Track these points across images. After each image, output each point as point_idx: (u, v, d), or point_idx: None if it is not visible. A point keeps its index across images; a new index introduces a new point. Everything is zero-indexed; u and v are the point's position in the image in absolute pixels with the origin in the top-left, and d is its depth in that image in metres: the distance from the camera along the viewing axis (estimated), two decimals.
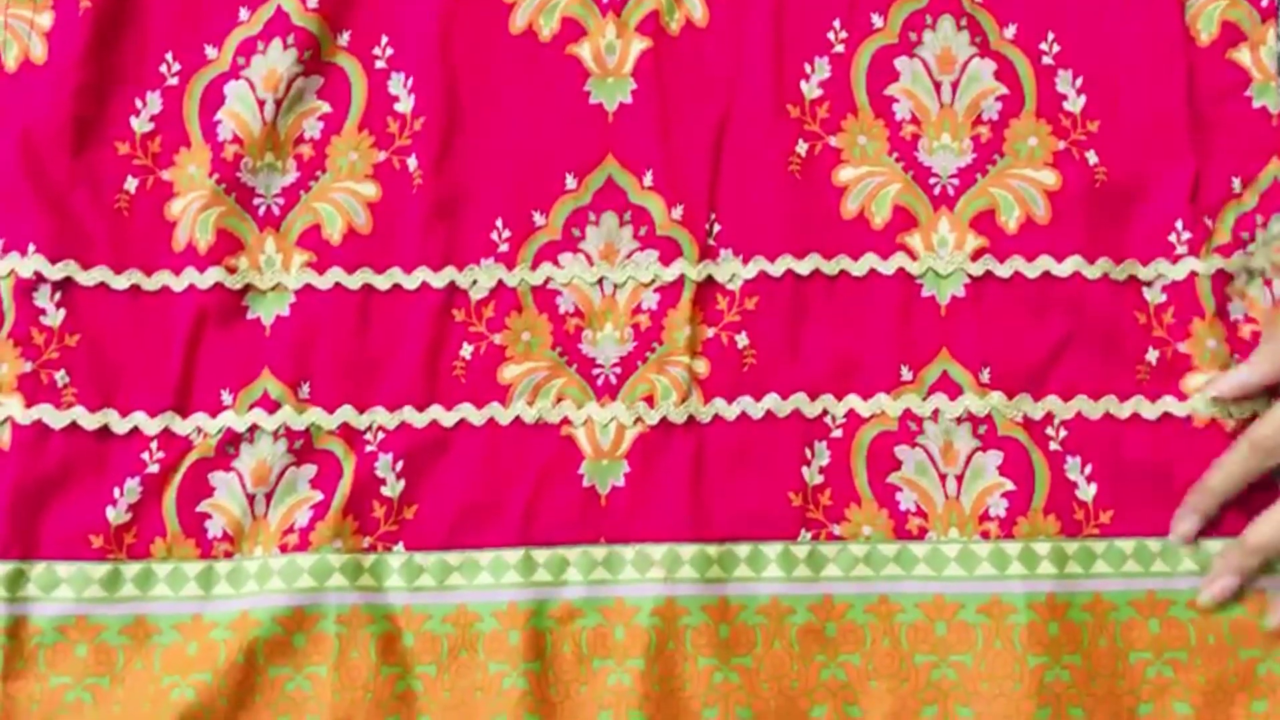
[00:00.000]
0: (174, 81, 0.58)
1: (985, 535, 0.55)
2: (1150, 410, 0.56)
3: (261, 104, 0.57)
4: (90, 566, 0.54)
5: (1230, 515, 0.55)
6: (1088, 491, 0.56)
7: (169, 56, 0.58)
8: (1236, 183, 0.57)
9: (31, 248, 0.55)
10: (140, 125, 0.57)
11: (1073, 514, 0.55)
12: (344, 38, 0.58)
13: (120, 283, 0.56)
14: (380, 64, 0.58)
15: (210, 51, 0.58)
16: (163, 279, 0.56)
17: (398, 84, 0.58)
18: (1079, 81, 0.58)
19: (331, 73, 0.58)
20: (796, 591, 0.55)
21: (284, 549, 0.55)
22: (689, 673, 0.54)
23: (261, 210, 0.57)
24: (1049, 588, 0.54)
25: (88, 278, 0.56)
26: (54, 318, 0.55)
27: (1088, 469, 0.56)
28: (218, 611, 0.54)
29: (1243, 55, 0.58)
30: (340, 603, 0.54)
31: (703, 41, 0.58)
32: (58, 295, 0.56)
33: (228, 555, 0.55)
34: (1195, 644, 0.54)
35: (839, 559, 0.55)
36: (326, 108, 0.58)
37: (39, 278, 0.55)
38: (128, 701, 0.53)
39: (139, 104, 0.57)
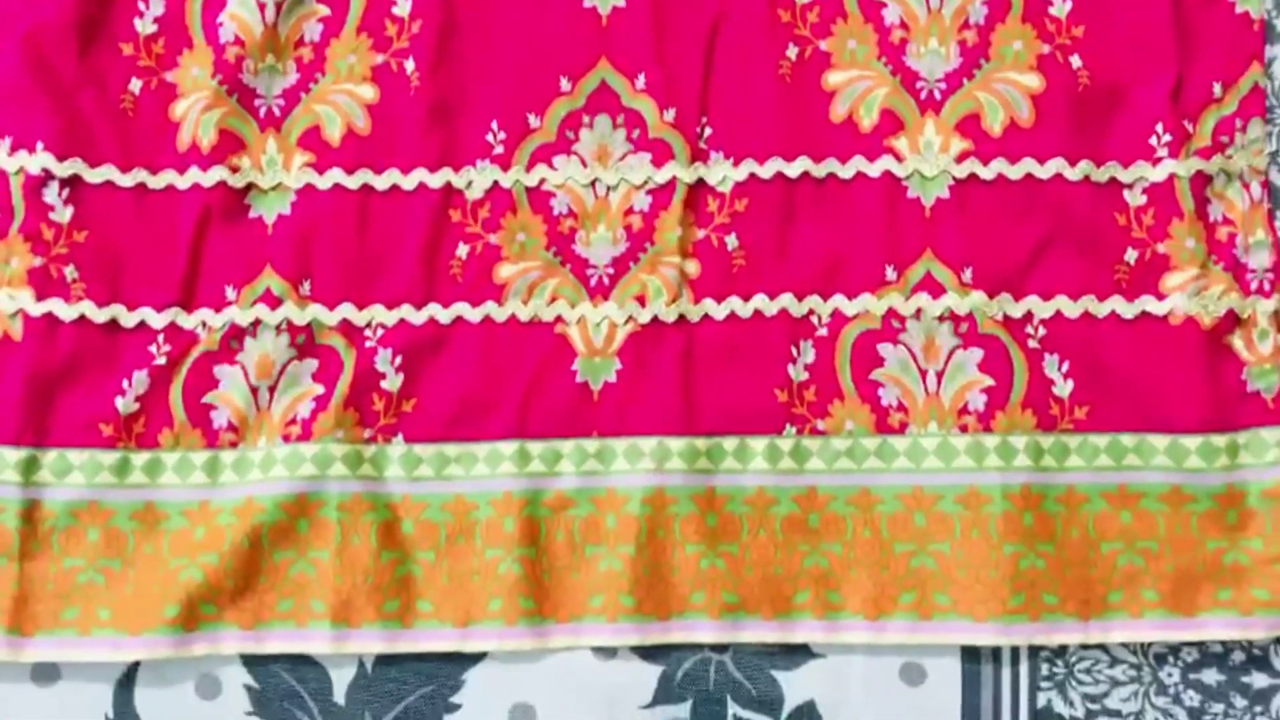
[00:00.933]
0: None
1: (964, 429, 0.57)
2: (1128, 309, 0.57)
3: (262, 7, 0.58)
4: (101, 454, 0.56)
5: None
6: (1064, 388, 0.57)
7: None
8: (1217, 87, 0.58)
9: (40, 145, 0.56)
10: (144, 27, 0.58)
11: (1048, 409, 0.57)
12: None
13: (126, 181, 0.57)
14: None
15: None
16: (167, 178, 0.57)
17: None
18: None
19: None
20: (781, 483, 0.56)
21: (287, 439, 0.56)
22: (677, 559, 0.56)
23: (263, 111, 0.58)
24: (1024, 479, 0.56)
25: (95, 175, 0.57)
26: (62, 214, 0.57)
27: (1065, 366, 0.57)
28: (224, 498, 0.56)
29: None
30: (342, 490, 0.56)
31: None
32: (66, 192, 0.57)
33: (233, 445, 0.56)
34: (1164, 535, 0.56)
35: (822, 452, 0.56)
36: (325, 10, 0.59)
37: (47, 175, 0.56)
38: (138, 582, 0.55)
39: (142, 6, 0.58)
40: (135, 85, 0.58)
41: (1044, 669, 0.56)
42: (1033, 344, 0.57)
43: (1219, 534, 0.56)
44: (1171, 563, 0.56)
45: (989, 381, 0.57)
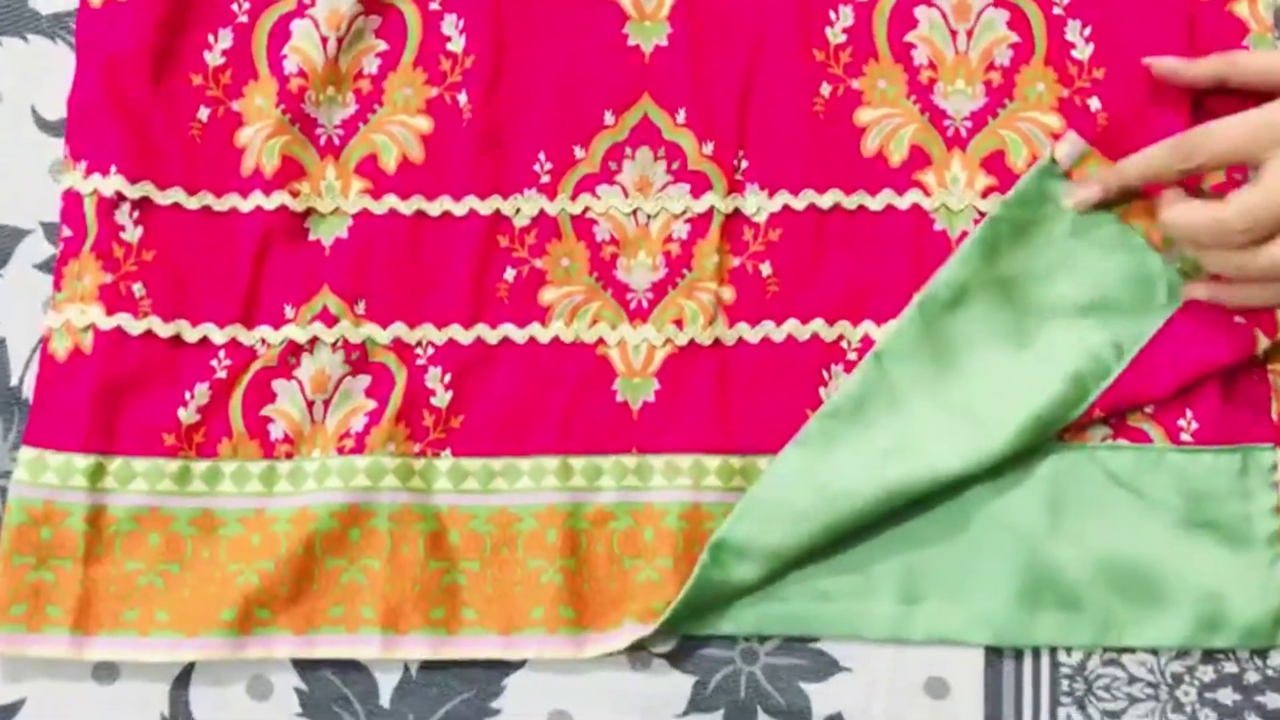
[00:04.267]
0: (244, 19, 0.60)
1: None
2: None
3: (324, 41, 0.60)
4: (163, 462, 0.57)
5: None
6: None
7: None
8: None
9: (113, 169, 0.58)
10: (213, 59, 0.60)
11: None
12: None
13: (193, 203, 0.59)
14: (434, 5, 0.61)
15: None
16: (231, 201, 0.59)
17: (450, 25, 0.61)
18: (1087, 31, 0.60)
19: (389, 13, 0.61)
20: None
21: (341, 451, 0.58)
22: None
23: (323, 140, 0.60)
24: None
25: (163, 198, 0.59)
26: (132, 234, 0.58)
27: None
28: (279, 507, 0.57)
29: (1242, 8, 0.60)
30: (393, 501, 0.57)
31: None
32: (136, 214, 0.58)
33: (289, 456, 0.58)
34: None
35: None
36: (384, 46, 0.61)
37: (119, 197, 0.58)
38: (196, 585, 0.56)
39: (212, 39, 0.60)
40: (203, 113, 0.60)
41: (1064, 685, 0.57)
42: None
43: None
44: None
45: None
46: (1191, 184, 0.57)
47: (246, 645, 0.56)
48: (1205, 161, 0.53)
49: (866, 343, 0.59)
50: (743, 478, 0.58)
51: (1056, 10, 0.61)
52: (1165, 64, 0.58)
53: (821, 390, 0.58)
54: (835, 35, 0.61)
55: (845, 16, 0.61)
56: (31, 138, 0.60)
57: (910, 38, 0.61)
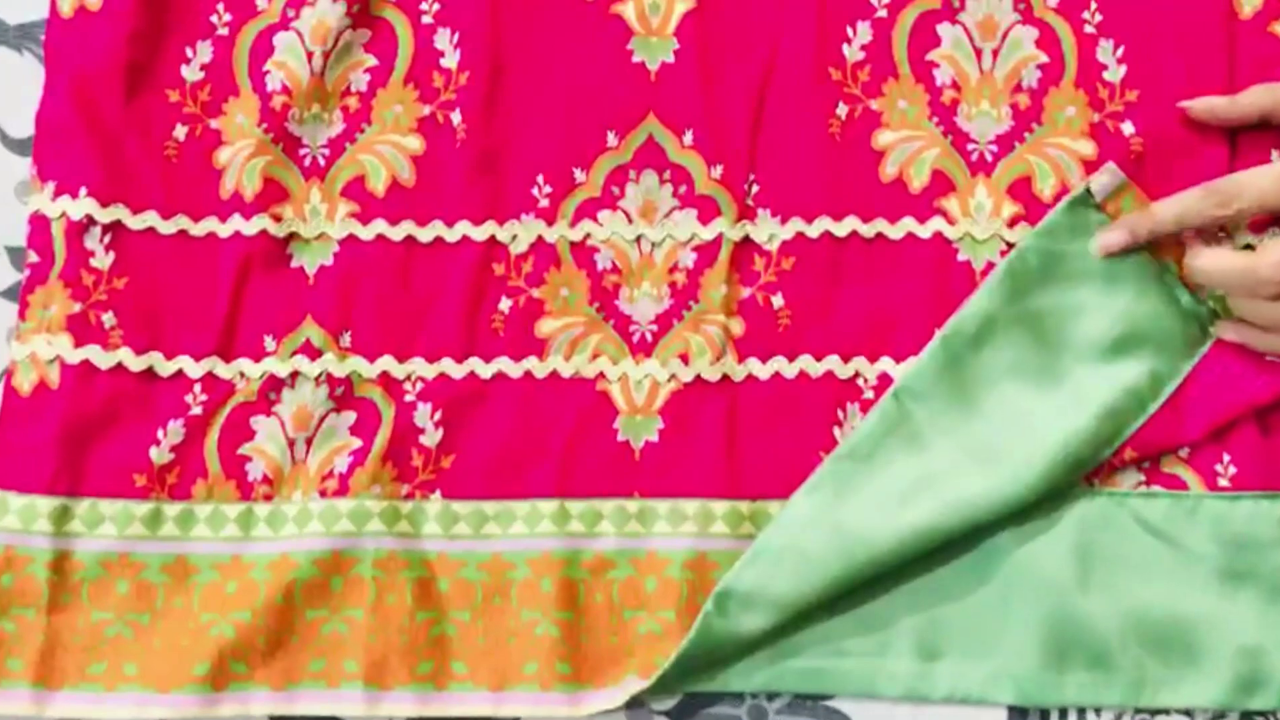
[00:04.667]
0: (224, 31, 0.57)
1: None
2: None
3: (310, 56, 0.56)
4: (133, 504, 0.53)
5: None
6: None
7: (220, 7, 0.57)
8: (1276, 155, 0.56)
9: (83, 191, 0.55)
10: (191, 74, 0.57)
11: None
12: None
13: (168, 228, 0.55)
14: (427, 19, 0.57)
15: (260, 2, 0.57)
16: (209, 225, 0.56)
17: (444, 39, 0.57)
18: (1119, 51, 0.57)
19: (379, 26, 0.57)
20: None
21: (323, 494, 0.54)
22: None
23: (307, 160, 0.57)
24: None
25: (137, 222, 0.55)
26: (103, 260, 0.55)
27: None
28: (257, 552, 0.54)
29: None
30: (377, 548, 0.53)
31: (746, 3, 0.57)
32: (107, 238, 0.55)
33: (267, 498, 0.54)
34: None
35: None
36: (373, 61, 0.57)
37: (90, 220, 0.55)
38: (167, 637, 0.53)
39: (190, 53, 0.57)
40: (180, 132, 0.56)
41: None
42: None
43: None
44: None
45: None
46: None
47: (221, 702, 0.52)
48: (1241, 209, 0.52)
49: (884, 380, 0.55)
50: (752, 524, 0.54)
51: (1088, 29, 0.57)
52: (1203, 105, 0.55)
53: (836, 431, 0.55)
54: (853, 53, 0.57)
55: (863, 33, 0.57)
56: None
57: (932, 56, 0.57)
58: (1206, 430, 0.54)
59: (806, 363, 0.55)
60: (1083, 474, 0.54)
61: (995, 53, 0.57)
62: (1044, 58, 0.57)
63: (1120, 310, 0.54)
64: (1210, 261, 0.52)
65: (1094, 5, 0.57)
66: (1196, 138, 0.56)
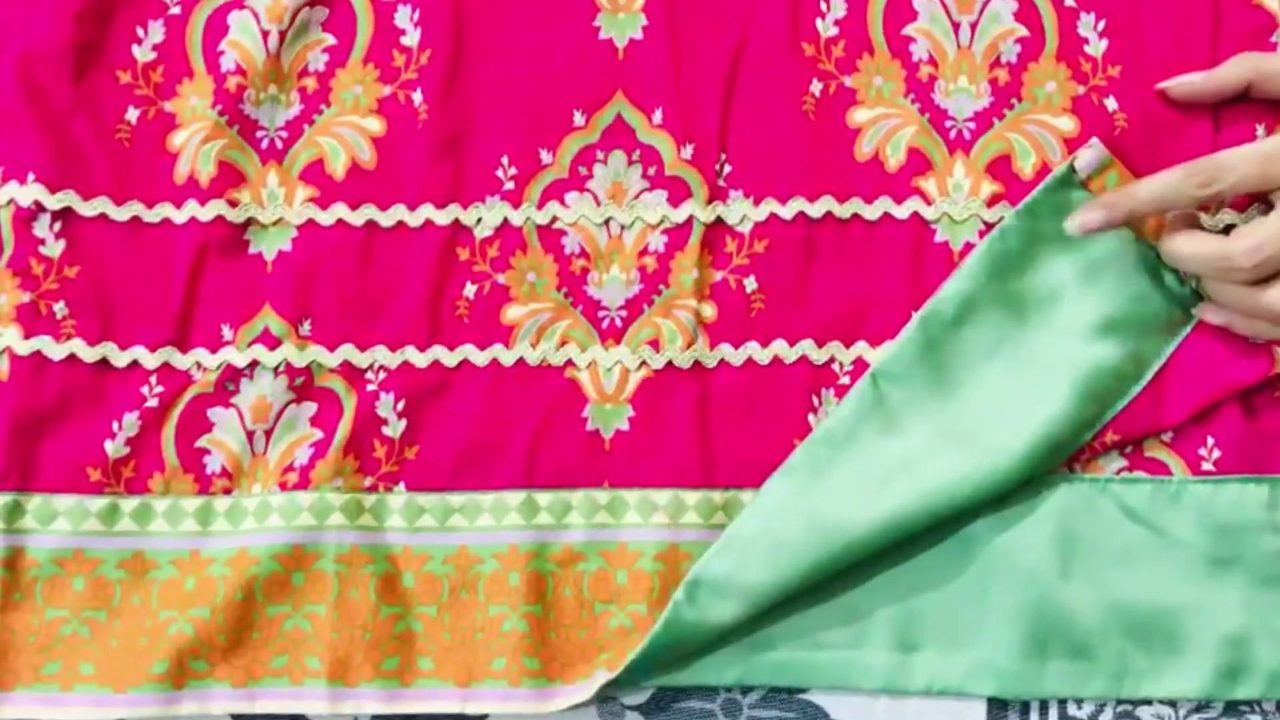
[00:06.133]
0: (177, 10, 0.54)
1: None
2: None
3: (265, 35, 0.54)
4: (88, 500, 0.51)
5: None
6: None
7: None
8: (1260, 130, 0.54)
9: (31, 176, 0.52)
10: (142, 54, 0.54)
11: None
12: None
13: (121, 214, 0.53)
14: None
15: None
16: (164, 211, 0.53)
17: (404, 17, 0.55)
18: (1101, 25, 0.55)
19: (337, 4, 0.55)
20: None
21: (284, 487, 0.52)
22: None
23: (264, 143, 0.54)
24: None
25: (88, 208, 0.53)
26: (53, 248, 0.53)
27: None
28: (216, 548, 0.52)
29: (1270, 0, 0.55)
30: (340, 542, 0.51)
31: None
32: (57, 225, 0.53)
33: (226, 492, 0.52)
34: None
35: None
36: (331, 40, 0.55)
37: (39, 207, 0.52)
38: (124, 635, 0.51)
39: (141, 32, 0.54)
40: (132, 114, 0.54)
41: None
42: None
43: None
44: None
45: None
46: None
47: (180, 700, 0.50)
48: (1222, 189, 0.49)
49: (860, 365, 0.53)
50: (725, 514, 0.52)
51: (1068, 2, 0.55)
52: (1181, 85, 0.53)
53: (811, 417, 0.53)
54: (826, 28, 0.55)
55: (837, 7, 0.55)
56: None
57: (909, 31, 0.55)
58: (1190, 413, 0.52)
59: (780, 348, 0.53)
60: (1064, 458, 0.52)
61: (973, 26, 0.55)
62: (1023, 31, 0.55)
63: (1102, 291, 0.52)
64: (1183, 244, 0.50)
65: None
66: (1180, 114, 0.54)
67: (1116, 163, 0.52)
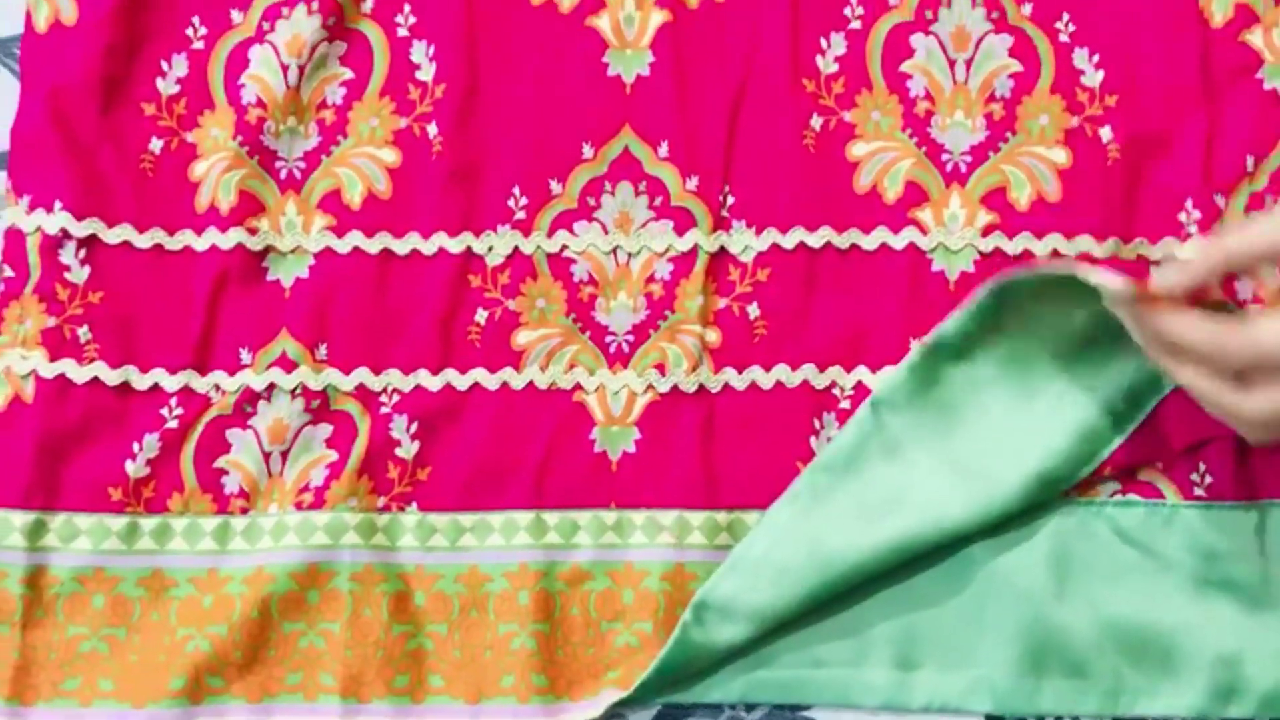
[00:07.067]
0: (199, 45, 0.56)
1: None
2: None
3: (285, 69, 0.56)
4: (109, 519, 0.53)
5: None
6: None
7: (195, 20, 0.56)
8: (1250, 160, 0.55)
9: (58, 205, 0.54)
10: (166, 87, 0.56)
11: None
12: (367, 4, 0.56)
13: (143, 241, 0.55)
14: (403, 31, 0.56)
15: (236, 16, 0.56)
16: (185, 239, 0.55)
17: (420, 52, 0.56)
18: (1095, 59, 0.56)
19: (355, 39, 0.56)
20: None
21: (299, 506, 0.53)
22: None
23: (283, 173, 0.56)
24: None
25: (112, 236, 0.54)
26: (78, 274, 0.54)
27: None
28: (233, 566, 0.53)
29: (1255, 38, 0.56)
30: (354, 560, 0.52)
31: (721, 15, 0.57)
32: (82, 252, 0.54)
33: (244, 511, 0.53)
34: None
35: None
36: (349, 74, 0.56)
37: (65, 234, 0.54)
38: (143, 652, 0.52)
39: (165, 66, 0.56)
40: (156, 145, 0.55)
41: None
42: None
43: None
44: None
45: None
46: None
47: (197, 716, 0.51)
48: (1244, 266, 0.46)
49: (860, 390, 0.54)
50: (729, 534, 0.53)
51: (1063, 37, 0.56)
52: (1164, 286, 0.47)
53: (813, 441, 0.54)
54: (826, 64, 0.57)
55: (837, 45, 0.57)
56: None
57: (906, 67, 0.57)
58: (1185, 445, 0.53)
59: (782, 373, 0.55)
60: (1060, 491, 0.53)
61: (969, 63, 0.57)
62: (1017, 66, 0.56)
63: (1104, 328, 0.53)
64: (1178, 325, 0.46)
65: (1066, 16, 0.56)
66: (1172, 145, 0.55)
67: (1138, 288, 0.48)
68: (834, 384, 0.55)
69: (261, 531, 0.53)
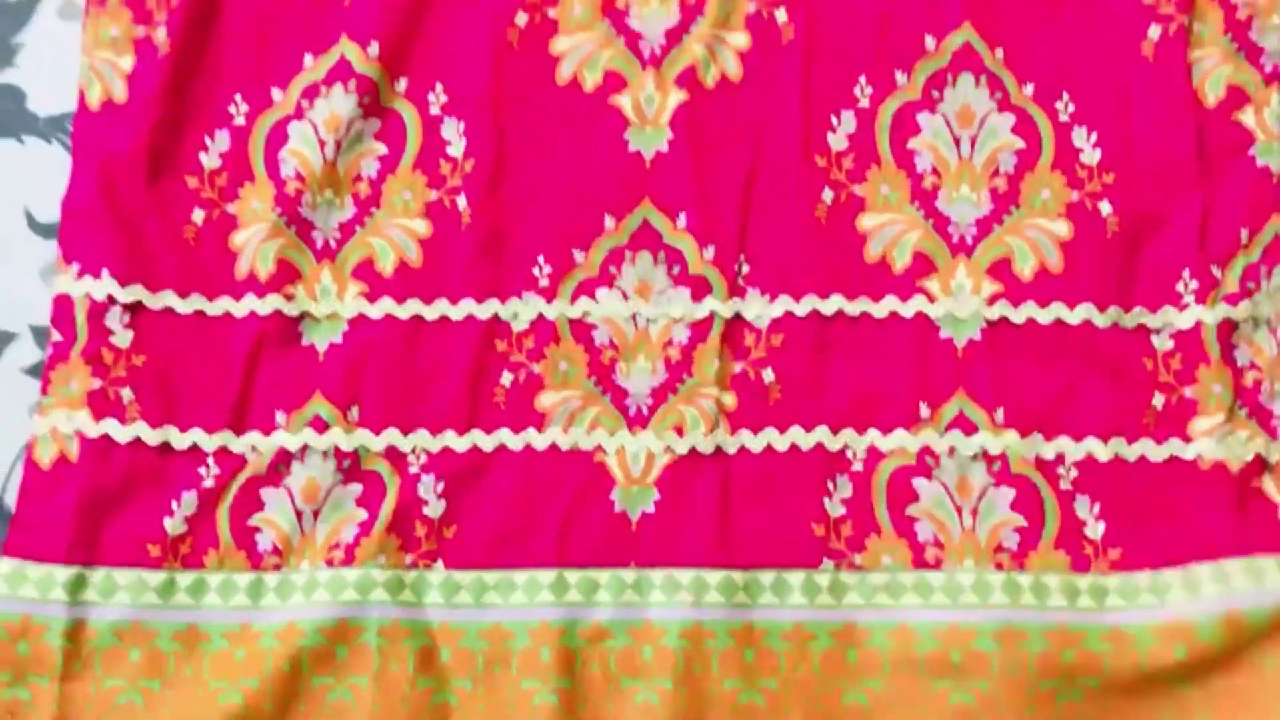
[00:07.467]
0: (241, 121, 0.59)
1: (999, 567, 0.55)
2: (1157, 453, 0.56)
3: (323, 144, 0.58)
4: (147, 574, 0.54)
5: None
6: (1096, 529, 0.55)
7: (238, 98, 0.59)
8: (1244, 233, 0.57)
9: (105, 272, 0.56)
10: (209, 161, 0.59)
11: (1081, 550, 0.55)
12: (401, 84, 0.59)
13: (185, 307, 0.57)
14: (434, 109, 0.59)
15: (276, 94, 0.59)
16: (225, 304, 0.57)
17: (450, 128, 0.59)
18: (1094, 137, 0.59)
19: (389, 116, 0.59)
20: (819, 618, 0.54)
21: (330, 563, 0.55)
22: (715, 695, 0.53)
23: (319, 243, 0.58)
24: (1062, 619, 0.54)
25: (155, 301, 0.57)
26: (123, 338, 0.56)
27: (1096, 508, 0.56)
28: (266, 621, 0.54)
29: (1247, 117, 0.59)
30: (382, 616, 0.54)
31: (736, 95, 0.59)
32: (126, 317, 0.56)
33: (276, 568, 0.55)
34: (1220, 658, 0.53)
35: (860, 587, 0.55)
36: (383, 149, 0.59)
37: (111, 300, 0.56)
38: (177, 704, 0.53)
39: (208, 141, 0.59)
40: (198, 215, 0.58)
41: None
42: (1064, 485, 0.56)
43: None
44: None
45: (1021, 521, 0.56)
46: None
47: None
48: None
49: (872, 453, 0.56)
50: (746, 594, 0.55)
51: (1063, 117, 0.59)
52: None
53: (826, 501, 0.56)
54: (837, 141, 0.59)
55: (847, 122, 0.59)
56: (24, 240, 0.59)
57: (913, 144, 0.59)
58: None
59: (797, 435, 0.57)
60: None
61: (973, 140, 0.59)
62: (1020, 143, 0.59)
63: None
64: None
65: (1066, 96, 0.59)
66: (1169, 219, 0.58)
67: None
68: (846, 446, 0.56)
69: (293, 588, 0.55)
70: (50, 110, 0.60)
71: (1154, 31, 0.59)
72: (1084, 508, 0.56)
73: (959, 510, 0.56)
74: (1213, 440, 0.56)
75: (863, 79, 0.59)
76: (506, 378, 0.57)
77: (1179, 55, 0.59)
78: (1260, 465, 0.56)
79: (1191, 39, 0.59)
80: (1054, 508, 0.56)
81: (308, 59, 0.59)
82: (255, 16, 0.59)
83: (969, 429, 0.56)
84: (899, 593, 0.55)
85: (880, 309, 0.58)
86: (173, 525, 0.55)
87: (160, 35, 0.58)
